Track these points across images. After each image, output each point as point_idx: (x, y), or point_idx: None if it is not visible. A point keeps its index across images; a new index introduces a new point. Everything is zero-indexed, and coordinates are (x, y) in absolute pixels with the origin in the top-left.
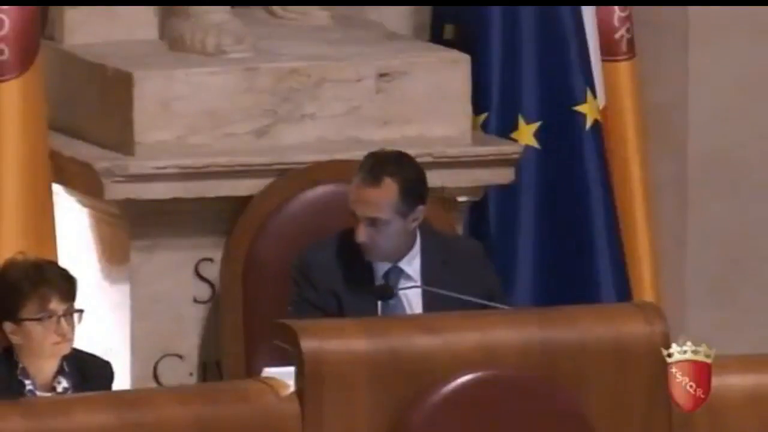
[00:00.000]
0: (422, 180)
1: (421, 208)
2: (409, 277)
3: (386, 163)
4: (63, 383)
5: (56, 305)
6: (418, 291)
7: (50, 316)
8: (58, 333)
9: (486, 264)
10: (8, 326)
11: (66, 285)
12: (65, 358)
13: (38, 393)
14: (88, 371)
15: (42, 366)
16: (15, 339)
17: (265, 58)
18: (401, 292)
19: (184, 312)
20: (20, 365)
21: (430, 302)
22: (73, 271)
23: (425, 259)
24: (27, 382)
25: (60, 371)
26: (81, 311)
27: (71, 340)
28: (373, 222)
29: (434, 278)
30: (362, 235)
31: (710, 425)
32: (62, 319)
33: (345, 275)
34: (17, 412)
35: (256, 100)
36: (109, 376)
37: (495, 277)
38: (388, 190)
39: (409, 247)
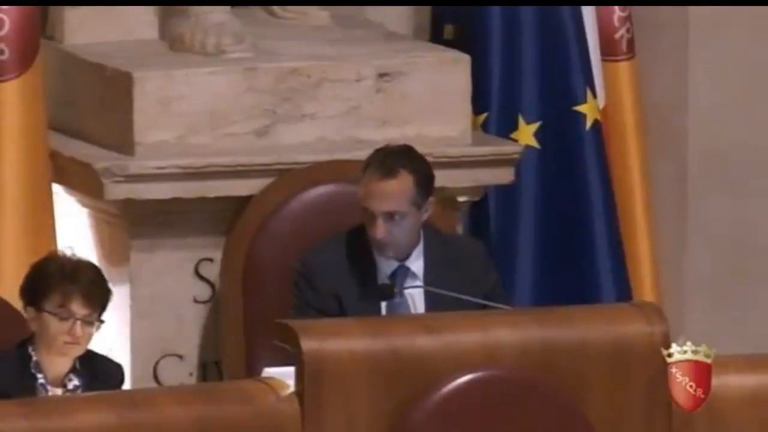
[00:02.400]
0: (431, 172)
1: (431, 200)
2: (414, 276)
3: (398, 156)
4: (74, 381)
5: (77, 308)
6: (422, 290)
7: (68, 316)
8: (70, 334)
9: (487, 264)
10: (30, 312)
11: (94, 292)
12: (79, 357)
13: (50, 388)
14: (100, 372)
15: (54, 361)
16: (33, 326)
17: (265, 58)
18: (406, 292)
19: (184, 312)
20: (34, 359)
21: (432, 302)
22: (108, 285)
23: (428, 258)
24: (39, 375)
25: (73, 369)
26: (102, 322)
27: (83, 345)
28: (390, 216)
29: (436, 277)
30: (380, 231)
31: (710, 425)
32: (78, 323)
33: (348, 277)
34: (18, 412)
35: (256, 100)
36: (119, 379)
37: (496, 277)
38: (405, 181)
39: (415, 245)
